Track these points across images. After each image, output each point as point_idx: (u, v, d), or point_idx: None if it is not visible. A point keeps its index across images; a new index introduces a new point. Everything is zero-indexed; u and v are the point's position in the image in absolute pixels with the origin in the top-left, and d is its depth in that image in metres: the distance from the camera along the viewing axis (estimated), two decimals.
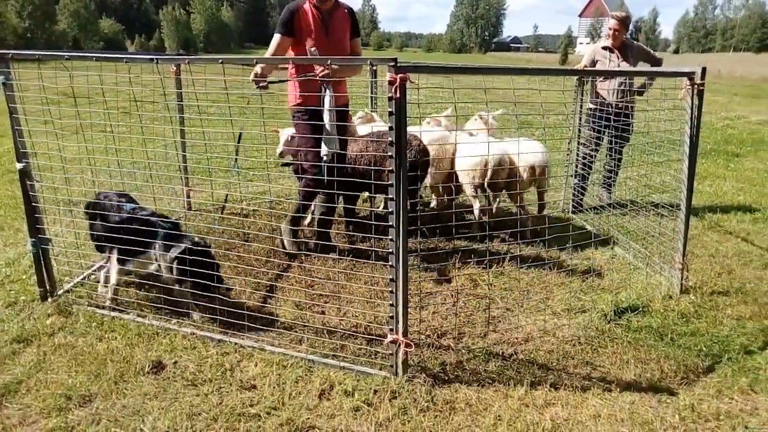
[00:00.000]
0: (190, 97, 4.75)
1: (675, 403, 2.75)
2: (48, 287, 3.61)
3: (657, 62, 5.73)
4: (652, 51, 5.89)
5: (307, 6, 4.04)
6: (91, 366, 2.96)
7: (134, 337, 3.23)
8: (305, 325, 3.37)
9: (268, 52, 4.04)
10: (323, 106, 3.61)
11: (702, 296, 3.80)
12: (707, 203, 6.17)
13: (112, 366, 2.96)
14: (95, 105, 3.65)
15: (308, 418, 2.59)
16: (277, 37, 4.04)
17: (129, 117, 3.72)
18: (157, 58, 3.01)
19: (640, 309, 3.59)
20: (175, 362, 3.00)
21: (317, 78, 3.43)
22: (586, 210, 5.57)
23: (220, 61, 2.75)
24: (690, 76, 3.54)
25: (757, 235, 5.13)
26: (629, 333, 3.34)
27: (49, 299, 3.59)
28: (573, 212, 5.67)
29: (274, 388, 2.79)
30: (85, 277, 3.95)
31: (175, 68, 4.73)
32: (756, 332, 3.39)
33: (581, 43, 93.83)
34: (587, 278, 4.07)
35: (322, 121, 3.68)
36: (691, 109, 3.54)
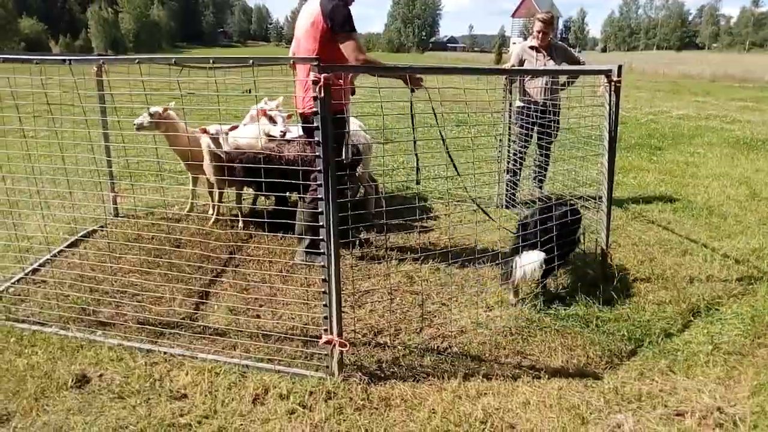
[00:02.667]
0: (116, 99, 4.58)
1: (600, 386, 2.87)
2: None
3: (577, 62, 5.95)
4: (573, 52, 6.12)
5: None
6: (9, 383, 2.81)
7: (57, 351, 3.08)
8: (240, 331, 3.31)
9: (365, 53, 3.75)
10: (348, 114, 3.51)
11: (625, 283, 3.98)
12: (631, 195, 6.47)
13: (32, 382, 2.81)
14: (9, 110, 3.47)
15: (241, 425, 2.55)
16: (357, 36, 3.77)
17: (47, 121, 3.53)
18: (69, 59, 2.87)
19: (568, 298, 3.72)
20: (101, 375, 2.88)
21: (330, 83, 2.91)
22: (519, 204, 5.73)
23: (137, 61, 2.66)
24: (607, 73, 3.69)
25: (677, 224, 5.41)
26: (557, 321, 3.46)
27: None
28: (506, 207, 5.82)
29: (205, 396, 2.72)
30: (3, 290, 3.74)
31: (96, 69, 4.54)
32: (675, 316, 3.58)
33: (514, 43, 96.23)
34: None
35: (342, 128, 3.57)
36: (609, 105, 3.70)
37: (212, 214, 5.19)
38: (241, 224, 5.03)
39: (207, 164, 4.76)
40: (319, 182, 2.68)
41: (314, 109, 3.77)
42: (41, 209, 4.21)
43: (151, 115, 4.68)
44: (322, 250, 2.75)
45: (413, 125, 3.24)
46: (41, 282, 3.89)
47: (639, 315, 3.58)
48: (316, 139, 2.64)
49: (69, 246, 4.50)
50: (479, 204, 4.53)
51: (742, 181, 7.14)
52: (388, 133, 7.13)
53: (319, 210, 2.71)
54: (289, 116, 4.97)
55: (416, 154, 3.71)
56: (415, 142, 3.49)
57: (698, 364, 3.07)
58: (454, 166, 3.79)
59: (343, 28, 3.70)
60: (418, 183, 4.18)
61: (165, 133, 4.85)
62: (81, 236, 4.69)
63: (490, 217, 4.23)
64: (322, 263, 2.78)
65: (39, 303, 3.55)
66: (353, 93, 4.27)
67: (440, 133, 3.60)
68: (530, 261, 3.58)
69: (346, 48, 3.71)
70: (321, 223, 2.72)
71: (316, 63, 2.51)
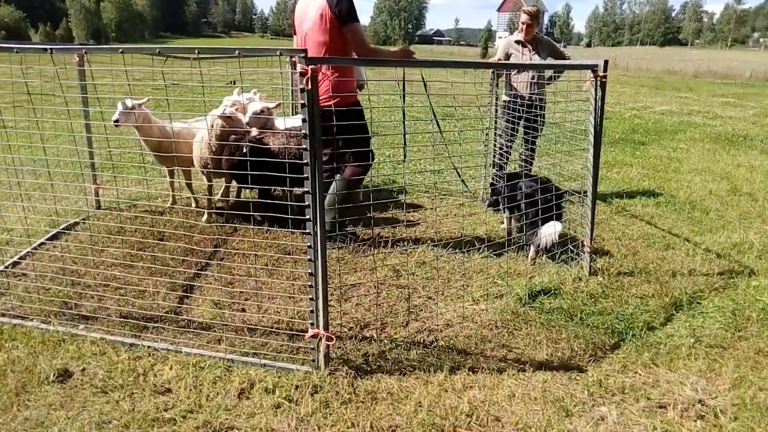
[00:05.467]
0: (98, 90, 4.49)
1: (584, 379, 2.89)
2: None
3: (562, 57, 5.96)
4: (558, 46, 6.13)
5: None
6: None
7: (38, 345, 3.03)
8: (225, 324, 3.29)
9: (368, 42, 4.03)
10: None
11: (609, 277, 4.01)
12: (615, 189, 6.52)
13: (12, 377, 2.77)
14: None
15: (227, 419, 2.53)
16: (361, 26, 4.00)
17: (27, 112, 3.47)
18: (51, 48, 2.81)
19: (552, 291, 3.75)
20: (83, 369, 2.84)
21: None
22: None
23: (120, 50, 2.61)
24: (593, 68, 3.71)
25: (660, 218, 5.47)
26: (542, 315, 3.48)
27: None
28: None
29: (190, 390, 2.70)
30: None
31: (77, 58, 4.46)
32: (658, 309, 3.62)
33: (500, 37, 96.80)
34: (504, 264, 4.20)
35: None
36: (595, 100, 3.72)
37: (196, 207, 5.13)
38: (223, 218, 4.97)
39: (201, 155, 4.65)
40: (306, 175, 2.66)
41: (329, 102, 3.99)
42: (22, 201, 4.14)
43: (131, 107, 4.56)
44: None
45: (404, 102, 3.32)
46: (22, 275, 3.83)
47: (622, 308, 3.61)
48: (304, 131, 2.61)
49: (50, 239, 4.43)
50: (459, 173, 4.65)
51: (724, 177, 7.23)
52: (375, 126, 7.11)
53: (307, 203, 2.69)
54: (277, 105, 4.93)
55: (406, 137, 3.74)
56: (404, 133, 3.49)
57: (680, 356, 3.11)
58: (440, 131, 3.85)
59: (351, 19, 3.88)
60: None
61: (139, 124, 4.73)
62: (62, 229, 4.61)
63: (466, 185, 4.33)
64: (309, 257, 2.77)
65: (19, 296, 3.49)
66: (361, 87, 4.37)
67: (433, 113, 3.68)
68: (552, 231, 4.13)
69: (354, 38, 3.93)
70: (308, 217, 2.71)
71: (303, 55, 2.48)
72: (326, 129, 4.06)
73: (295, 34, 4.35)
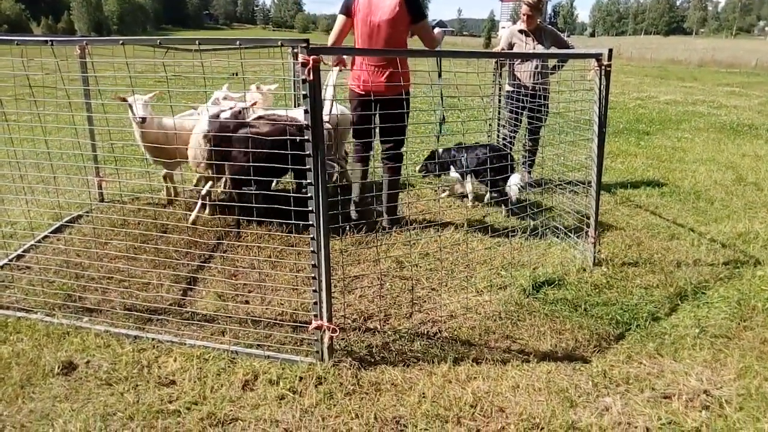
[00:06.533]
0: (100, 82, 4.47)
1: (588, 370, 2.89)
2: None
3: (566, 46, 5.92)
4: (561, 35, 6.08)
5: None
6: None
7: (42, 338, 3.03)
8: (228, 316, 3.29)
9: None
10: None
11: (613, 267, 4.00)
12: (619, 179, 6.49)
13: (17, 369, 2.77)
14: None
15: (231, 410, 2.54)
16: None
17: (30, 105, 3.46)
18: (52, 40, 2.79)
19: (557, 282, 3.74)
20: (88, 362, 2.85)
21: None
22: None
23: (121, 42, 2.60)
24: (598, 57, 3.68)
25: (664, 209, 5.44)
26: (546, 306, 3.47)
27: None
28: None
29: (194, 382, 2.70)
30: None
31: (79, 51, 4.44)
32: (662, 300, 3.61)
33: (503, 27, 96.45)
34: (508, 255, 4.19)
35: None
36: (599, 89, 3.69)
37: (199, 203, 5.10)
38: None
39: (198, 151, 4.60)
40: (308, 167, 2.64)
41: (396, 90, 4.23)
42: (25, 194, 4.14)
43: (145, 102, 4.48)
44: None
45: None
46: (26, 268, 3.84)
47: (627, 299, 3.60)
48: (305, 122, 2.60)
49: (54, 231, 4.43)
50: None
51: (729, 166, 7.19)
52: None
53: (309, 195, 2.68)
54: (254, 104, 4.83)
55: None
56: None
57: (685, 347, 3.10)
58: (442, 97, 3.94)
59: (423, 16, 4.25)
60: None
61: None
62: (66, 222, 4.62)
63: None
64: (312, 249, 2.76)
65: (24, 289, 3.50)
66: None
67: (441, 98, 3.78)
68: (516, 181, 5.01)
69: (429, 33, 4.32)
70: (310, 208, 2.70)
71: (305, 45, 2.46)
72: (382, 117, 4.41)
73: (350, 17, 4.29)
